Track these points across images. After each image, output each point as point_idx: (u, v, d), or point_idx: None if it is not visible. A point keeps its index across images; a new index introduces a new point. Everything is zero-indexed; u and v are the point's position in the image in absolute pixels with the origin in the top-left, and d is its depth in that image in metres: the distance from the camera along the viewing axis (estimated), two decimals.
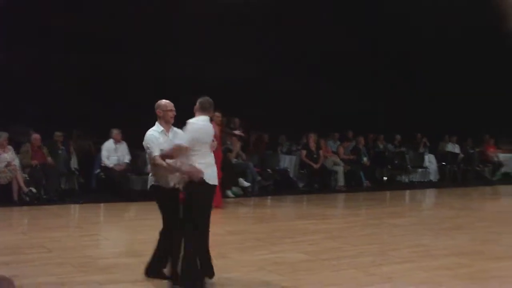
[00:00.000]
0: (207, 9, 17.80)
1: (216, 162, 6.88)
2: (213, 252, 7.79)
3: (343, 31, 19.13)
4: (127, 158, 14.19)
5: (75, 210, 12.50)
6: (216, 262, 7.21)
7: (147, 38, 17.77)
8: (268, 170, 16.25)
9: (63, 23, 16.42)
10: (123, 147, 14.20)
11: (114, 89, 16.95)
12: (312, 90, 19.20)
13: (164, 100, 6.85)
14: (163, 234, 6.80)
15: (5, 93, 15.28)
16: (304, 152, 16.67)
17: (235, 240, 9.47)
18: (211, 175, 6.53)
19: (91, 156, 15.35)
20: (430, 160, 20.03)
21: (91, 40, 16.70)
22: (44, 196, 13.06)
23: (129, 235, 10.05)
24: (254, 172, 15.41)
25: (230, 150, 15.41)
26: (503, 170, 21.55)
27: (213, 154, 6.74)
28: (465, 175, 20.54)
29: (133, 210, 12.66)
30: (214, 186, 6.61)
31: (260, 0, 18.67)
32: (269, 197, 15.01)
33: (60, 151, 14.35)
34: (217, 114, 11.93)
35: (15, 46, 16.09)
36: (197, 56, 17.56)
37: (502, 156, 21.69)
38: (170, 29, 17.77)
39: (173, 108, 6.82)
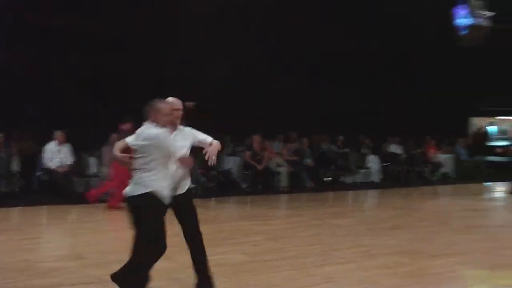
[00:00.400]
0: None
1: None
2: None
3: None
4: (69, 160, 14.04)
5: (15, 213, 12.33)
6: (160, 264, 7.21)
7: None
8: (212, 171, 16.27)
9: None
10: (66, 149, 14.05)
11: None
12: (256, 91, 19.27)
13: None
14: None
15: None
16: (248, 153, 16.74)
17: (179, 242, 9.44)
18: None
19: (33, 158, 15.14)
20: (373, 161, 20.31)
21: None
22: None
23: (71, 238, 9.96)
24: (198, 174, 15.41)
25: None
26: (442, 170, 21.99)
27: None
28: (407, 176, 20.90)
29: (75, 212, 12.55)
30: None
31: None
32: (213, 198, 15.04)
33: (0, 153, 14.13)
34: None
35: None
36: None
37: (441, 157, 22.13)
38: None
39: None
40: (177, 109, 6.27)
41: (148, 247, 6.04)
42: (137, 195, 5.83)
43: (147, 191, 5.78)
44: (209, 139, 6.53)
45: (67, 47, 16.74)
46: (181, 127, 6.39)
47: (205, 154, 6.32)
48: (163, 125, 5.88)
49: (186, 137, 6.38)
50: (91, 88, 16.84)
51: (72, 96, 16.46)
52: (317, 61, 20.08)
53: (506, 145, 19.27)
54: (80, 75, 16.99)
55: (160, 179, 5.84)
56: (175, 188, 6.23)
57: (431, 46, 21.60)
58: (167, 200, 5.96)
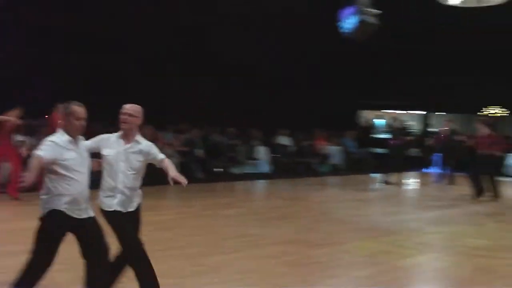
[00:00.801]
0: None
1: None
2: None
3: None
4: None
5: None
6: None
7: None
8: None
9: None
10: None
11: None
12: (147, 82, 19.20)
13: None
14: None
15: None
16: None
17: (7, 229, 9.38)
18: None
19: None
20: (262, 152, 20.58)
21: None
22: None
23: None
24: None
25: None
26: (331, 162, 22.55)
27: None
28: (296, 167, 21.29)
29: None
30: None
31: None
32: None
33: None
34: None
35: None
36: None
37: (330, 149, 22.68)
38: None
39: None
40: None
41: None
42: None
43: None
44: None
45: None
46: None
47: None
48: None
49: None
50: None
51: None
52: (205, 55, 20.25)
53: (389, 138, 19.94)
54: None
55: None
56: None
57: (319, 41, 22.02)
58: None
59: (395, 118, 21.84)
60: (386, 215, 12.93)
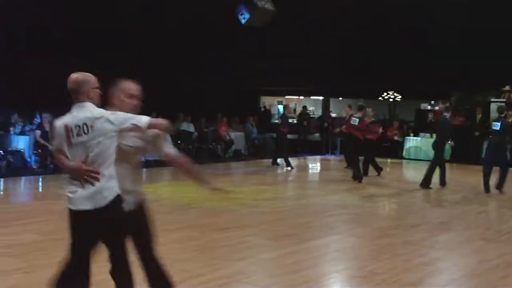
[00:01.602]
0: None
1: None
2: None
3: None
4: None
5: None
6: None
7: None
8: (0, 151, 15.69)
9: None
10: None
11: None
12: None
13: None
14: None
15: None
16: (38, 132, 16.28)
17: None
18: None
19: None
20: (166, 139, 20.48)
21: None
22: None
23: None
24: None
25: None
26: (234, 147, 22.74)
27: None
28: (199, 153, 21.34)
29: None
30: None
31: None
32: (2, 179, 14.50)
33: None
34: None
35: None
36: None
37: (233, 135, 22.85)
38: None
39: None
40: None
41: None
42: None
43: None
44: None
45: None
46: None
47: None
48: None
49: None
50: None
51: None
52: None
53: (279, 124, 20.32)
54: None
55: None
56: None
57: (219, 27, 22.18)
58: None
59: (286, 105, 22.19)
60: (291, 199, 13.22)
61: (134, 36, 20.61)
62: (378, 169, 17.37)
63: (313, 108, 31.02)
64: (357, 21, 22.48)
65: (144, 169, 17.62)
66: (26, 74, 18.05)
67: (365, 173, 16.79)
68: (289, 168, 18.88)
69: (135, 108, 4.90)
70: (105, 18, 19.45)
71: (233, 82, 24.84)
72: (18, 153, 16.26)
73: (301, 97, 32.51)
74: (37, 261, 6.94)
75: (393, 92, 28.26)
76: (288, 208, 11.53)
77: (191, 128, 21.87)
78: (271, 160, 20.04)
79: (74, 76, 4.62)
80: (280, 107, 29.23)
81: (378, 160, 17.61)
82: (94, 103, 4.63)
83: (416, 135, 23.93)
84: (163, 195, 13.44)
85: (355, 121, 16.21)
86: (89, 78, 4.66)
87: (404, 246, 8.45)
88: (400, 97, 28.42)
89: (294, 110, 31.20)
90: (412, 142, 23.66)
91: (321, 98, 29.61)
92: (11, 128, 17.13)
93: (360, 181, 15.71)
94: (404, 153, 23.63)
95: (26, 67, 18.07)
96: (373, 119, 18.15)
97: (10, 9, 16.81)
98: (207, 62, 23.62)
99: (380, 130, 18.78)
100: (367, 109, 17.34)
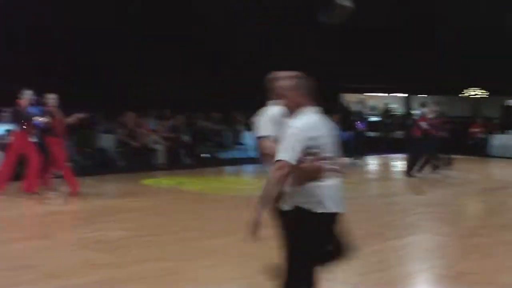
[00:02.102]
0: None
1: None
2: (35, 232, 7.76)
3: None
4: None
5: None
6: (39, 243, 7.18)
7: None
8: (87, 149, 16.05)
9: None
10: None
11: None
12: (127, 68, 19.16)
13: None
14: None
15: None
16: (122, 130, 16.59)
17: (58, 220, 9.39)
18: None
19: None
20: (248, 137, 20.59)
21: None
22: None
23: None
24: (73, 152, 15.17)
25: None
26: None
27: None
28: None
29: None
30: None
31: None
32: (89, 176, 14.83)
33: None
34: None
35: None
36: None
37: None
38: None
39: None
40: None
41: None
42: None
43: None
44: None
45: None
46: None
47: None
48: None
49: None
50: None
51: None
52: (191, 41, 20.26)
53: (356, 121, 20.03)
54: None
55: None
56: None
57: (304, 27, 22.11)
58: None
59: (362, 101, 21.88)
60: (374, 197, 13.08)
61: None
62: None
63: (396, 105, 30.62)
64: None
65: (226, 168, 17.94)
66: (109, 75, 18.50)
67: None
68: (361, 164, 18.60)
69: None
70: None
71: (314, 80, 24.71)
72: (103, 151, 16.60)
73: (383, 94, 32.10)
74: (126, 257, 7.06)
75: (477, 88, 27.57)
76: (372, 207, 11.40)
77: None
78: (352, 158, 19.80)
79: None
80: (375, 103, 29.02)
81: (462, 157, 17.22)
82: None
83: (502, 132, 23.28)
84: (245, 192, 13.52)
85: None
86: None
87: (496, 246, 8.22)
88: (486, 93, 27.68)
89: (376, 107, 30.87)
90: (498, 139, 22.99)
91: (404, 95, 29.19)
92: (96, 127, 17.52)
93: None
94: (489, 150, 22.99)
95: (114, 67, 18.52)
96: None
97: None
98: (289, 61, 23.55)
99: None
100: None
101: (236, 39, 20.90)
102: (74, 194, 11.18)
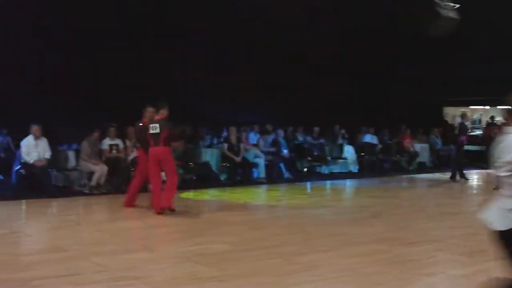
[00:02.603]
0: None
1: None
2: (138, 244, 7.90)
3: None
4: (47, 154, 13.97)
5: None
6: (142, 255, 7.30)
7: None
8: (190, 163, 16.31)
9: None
10: (43, 143, 13.97)
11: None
12: (230, 85, 19.39)
13: None
14: None
15: None
16: (226, 145, 16.78)
17: (160, 233, 9.55)
18: None
19: (11, 153, 15.12)
20: (349, 151, 20.45)
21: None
22: None
23: (52, 231, 9.97)
24: (177, 166, 15.45)
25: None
26: (418, 159, 22.24)
27: None
28: (382, 165, 21.10)
29: (55, 206, 12.53)
30: None
31: None
32: (192, 190, 15.07)
33: None
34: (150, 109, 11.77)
35: None
36: None
37: (417, 146, 22.36)
38: None
39: None
40: None
41: None
42: None
43: None
44: None
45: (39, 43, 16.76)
46: None
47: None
48: None
49: None
50: (66, 83, 16.94)
51: (47, 91, 16.60)
52: (293, 54, 20.23)
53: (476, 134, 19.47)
54: (55, 71, 17.01)
55: None
56: None
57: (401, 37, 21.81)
58: None
59: (464, 114, 21.22)
60: (476, 213, 12.65)
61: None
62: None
63: (501, 118, 29.69)
64: None
65: (326, 182, 17.83)
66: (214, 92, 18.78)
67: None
68: (462, 179, 18.06)
69: None
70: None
71: (416, 93, 24.32)
72: (206, 165, 16.82)
73: (487, 107, 31.22)
74: (230, 271, 7.09)
75: None
76: (476, 222, 11.01)
77: (374, 140, 21.65)
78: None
79: None
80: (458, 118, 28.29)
81: None
82: None
83: None
84: (346, 207, 13.41)
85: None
86: None
87: None
88: None
89: (480, 120, 30.09)
90: None
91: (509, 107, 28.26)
92: (200, 141, 17.81)
93: None
94: None
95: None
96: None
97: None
98: (390, 74, 23.37)
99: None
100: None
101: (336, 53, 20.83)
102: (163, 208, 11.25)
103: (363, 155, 20.72)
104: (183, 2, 18.16)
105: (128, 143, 15.37)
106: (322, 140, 20.32)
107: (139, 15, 17.98)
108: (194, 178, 16.28)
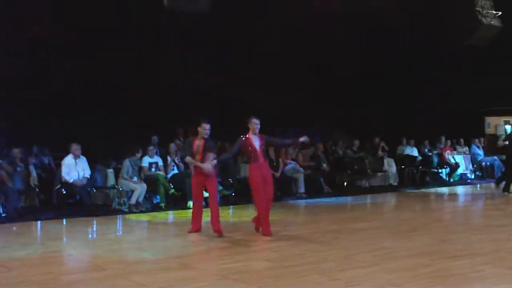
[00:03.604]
0: None
1: None
2: (176, 262, 7.87)
3: None
4: (87, 173, 14.07)
5: (35, 227, 12.38)
6: (181, 273, 7.26)
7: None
8: (229, 179, 16.28)
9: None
10: (83, 162, 14.08)
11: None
12: (262, 97, 19.39)
13: None
14: None
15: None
16: None
17: (199, 250, 9.50)
18: None
19: (51, 172, 15.26)
20: (389, 164, 20.26)
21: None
22: (3, 215, 12.94)
23: (92, 250, 9.99)
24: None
25: None
26: (459, 171, 21.95)
27: None
28: (423, 178, 20.85)
29: (95, 225, 12.57)
30: None
31: None
32: (231, 206, 15.03)
33: (18, 168, 14.19)
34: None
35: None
36: None
37: (458, 158, 22.07)
38: None
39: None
40: None
41: None
42: None
43: None
44: None
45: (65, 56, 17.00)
46: None
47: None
48: None
49: None
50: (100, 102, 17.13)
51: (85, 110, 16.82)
52: (326, 65, 20.17)
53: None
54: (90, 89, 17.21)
55: None
56: None
57: (441, 47, 21.61)
58: None
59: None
60: None
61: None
62: None
63: None
64: None
65: (365, 196, 17.64)
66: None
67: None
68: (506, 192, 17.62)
69: None
70: None
71: (456, 103, 24.02)
72: (244, 180, 16.69)
73: None
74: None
75: None
76: None
77: (414, 151, 21.43)
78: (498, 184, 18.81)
79: None
80: (508, 127, 27.82)
81: None
82: None
83: None
84: (386, 221, 13.24)
85: None
86: None
87: None
88: None
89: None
90: None
91: None
92: (238, 157, 17.69)
93: None
94: None
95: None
96: None
97: None
98: (427, 85, 23.16)
99: None
100: None
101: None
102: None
103: (403, 167, 20.50)
104: None
105: (168, 160, 15.44)
106: (362, 153, 20.15)
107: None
108: (233, 194, 16.21)
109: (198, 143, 10.66)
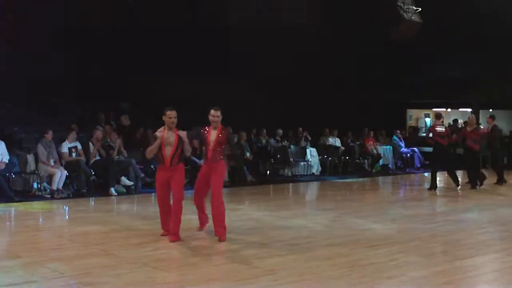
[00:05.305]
0: None
1: None
2: (97, 249, 7.77)
3: None
4: (5, 158, 13.71)
5: None
6: (100, 260, 7.18)
7: None
8: (152, 166, 16.13)
9: None
10: (1, 147, 13.72)
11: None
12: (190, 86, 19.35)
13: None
14: None
15: None
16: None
17: (119, 237, 9.39)
18: None
19: None
20: (312, 154, 20.45)
21: None
22: None
23: (8, 236, 9.78)
24: (137, 169, 15.29)
25: (112, 147, 15.33)
26: (381, 162, 22.34)
27: None
28: (345, 168, 21.13)
29: (13, 211, 12.28)
30: None
31: None
32: (153, 194, 14.88)
33: None
34: None
35: None
36: None
37: (380, 149, 22.45)
38: None
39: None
40: None
41: None
42: None
43: None
44: None
45: None
46: None
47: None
48: None
49: None
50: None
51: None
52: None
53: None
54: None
55: None
56: None
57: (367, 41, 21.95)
58: None
59: (438, 114, 21.31)
60: (440, 215, 12.74)
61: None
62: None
63: (462, 120, 29.95)
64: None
65: (288, 185, 17.78)
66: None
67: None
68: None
69: None
70: None
71: (379, 95, 24.43)
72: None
73: (449, 110, 31.49)
74: (186, 276, 6.98)
75: None
76: (439, 224, 11.08)
77: (337, 142, 21.71)
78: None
79: None
80: (428, 120, 28.48)
81: None
82: None
83: None
84: (307, 210, 13.35)
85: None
86: None
87: None
88: None
89: (442, 122, 30.27)
90: None
91: (469, 110, 28.53)
92: None
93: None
94: None
95: None
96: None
97: None
98: (355, 76, 23.51)
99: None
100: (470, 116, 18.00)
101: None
102: None
103: (325, 157, 20.74)
104: None
105: (91, 148, 15.16)
106: (285, 143, 20.26)
107: None
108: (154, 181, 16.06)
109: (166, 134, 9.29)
